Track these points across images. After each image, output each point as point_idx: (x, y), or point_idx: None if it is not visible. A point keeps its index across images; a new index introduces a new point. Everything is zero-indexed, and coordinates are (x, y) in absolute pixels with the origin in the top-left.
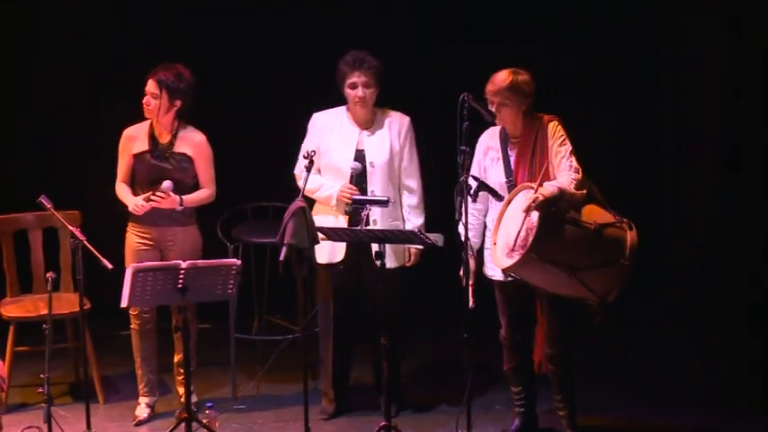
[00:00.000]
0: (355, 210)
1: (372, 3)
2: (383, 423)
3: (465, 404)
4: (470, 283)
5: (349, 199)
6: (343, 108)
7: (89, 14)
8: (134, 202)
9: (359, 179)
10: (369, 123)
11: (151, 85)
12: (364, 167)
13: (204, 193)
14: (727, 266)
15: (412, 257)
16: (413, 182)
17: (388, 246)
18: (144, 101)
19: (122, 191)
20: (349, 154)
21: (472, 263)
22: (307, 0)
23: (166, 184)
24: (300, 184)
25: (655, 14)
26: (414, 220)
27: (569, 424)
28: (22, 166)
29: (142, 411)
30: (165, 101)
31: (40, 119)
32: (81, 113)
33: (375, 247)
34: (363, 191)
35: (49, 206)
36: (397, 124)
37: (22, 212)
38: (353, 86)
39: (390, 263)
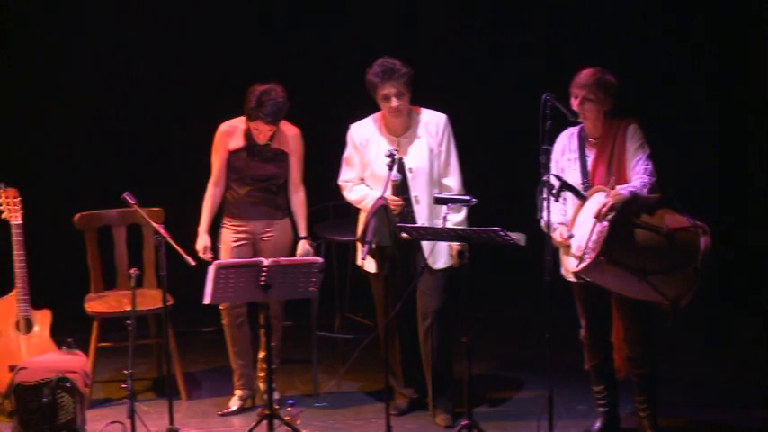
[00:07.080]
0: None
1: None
2: (465, 421)
3: (547, 404)
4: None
5: (394, 208)
6: (377, 116)
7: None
8: (203, 245)
9: (402, 187)
10: (405, 129)
11: None
12: (405, 175)
13: (304, 208)
14: None
15: (454, 258)
16: (452, 180)
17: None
18: None
19: (205, 207)
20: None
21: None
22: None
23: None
24: (345, 193)
25: None
26: (452, 218)
27: (651, 425)
28: (107, 162)
29: (234, 403)
30: None
31: (126, 118)
32: (167, 113)
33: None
34: (407, 198)
35: (133, 203)
36: (433, 125)
37: (107, 209)
38: (386, 98)
39: (441, 263)
